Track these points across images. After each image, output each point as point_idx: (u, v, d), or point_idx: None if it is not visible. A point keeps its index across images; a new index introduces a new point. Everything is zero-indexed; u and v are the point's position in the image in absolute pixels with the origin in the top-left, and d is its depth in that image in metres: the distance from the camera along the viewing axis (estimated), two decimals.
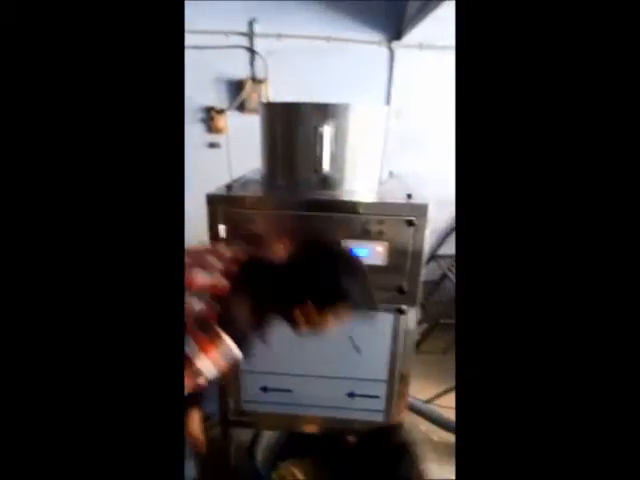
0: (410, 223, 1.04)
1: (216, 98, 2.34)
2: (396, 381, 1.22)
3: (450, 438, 1.84)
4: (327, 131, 1.05)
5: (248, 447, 1.56)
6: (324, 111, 1.06)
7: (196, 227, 1.62)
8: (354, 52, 2.27)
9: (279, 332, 1.19)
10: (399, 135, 1.50)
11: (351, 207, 1.06)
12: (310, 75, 2.30)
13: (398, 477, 0.97)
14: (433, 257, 2.62)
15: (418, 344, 2.29)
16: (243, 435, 1.51)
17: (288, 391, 1.26)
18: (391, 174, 1.44)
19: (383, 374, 1.22)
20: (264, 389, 1.26)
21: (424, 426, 1.91)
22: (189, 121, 2.34)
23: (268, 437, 1.47)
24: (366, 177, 1.17)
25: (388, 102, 2.37)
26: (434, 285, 2.65)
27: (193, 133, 2.36)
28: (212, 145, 2.42)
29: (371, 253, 1.08)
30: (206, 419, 1.70)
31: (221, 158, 2.38)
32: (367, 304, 0.92)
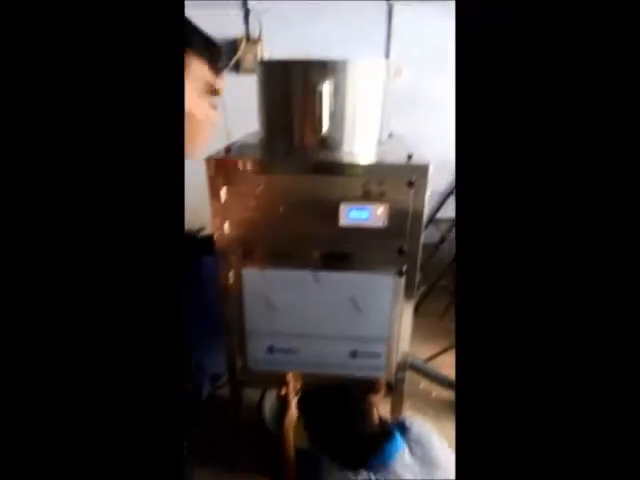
0: (411, 184, 1.03)
1: None
2: (396, 340, 1.26)
3: (447, 395, 1.92)
4: (326, 89, 1.03)
5: (257, 405, 1.63)
6: (323, 68, 1.03)
7: (194, 196, 1.62)
8: (351, 7, 2.17)
9: (284, 293, 1.23)
10: (399, 95, 1.47)
11: (351, 169, 1.05)
12: (306, 33, 2.21)
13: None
14: (432, 220, 2.63)
15: (417, 306, 2.33)
16: (252, 394, 1.57)
17: (293, 351, 1.30)
18: (391, 135, 1.42)
19: (384, 333, 1.25)
20: (270, 349, 1.31)
21: (423, 384, 1.99)
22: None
23: (275, 395, 1.53)
24: (366, 137, 1.15)
25: (387, 59, 2.30)
26: (433, 248, 2.67)
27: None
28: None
29: (371, 215, 1.08)
30: (215, 379, 1.76)
31: (219, 122, 2.34)
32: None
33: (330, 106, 1.06)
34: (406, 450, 0.99)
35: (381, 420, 1.11)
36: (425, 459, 0.99)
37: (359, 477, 0.95)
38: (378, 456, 0.97)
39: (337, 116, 1.08)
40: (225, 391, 1.48)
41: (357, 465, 0.99)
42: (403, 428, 1.07)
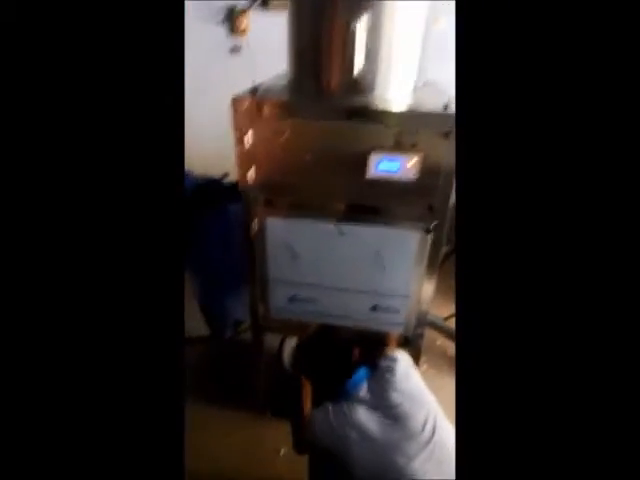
0: (446, 135, 0.96)
1: None
2: (417, 297, 1.25)
3: None
4: (361, 27, 0.94)
5: (276, 350, 1.69)
6: (358, 4, 0.94)
7: (219, 142, 1.59)
8: None
9: (307, 244, 1.21)
10: (436, 43, 1.33)
11: (383, 115, 0.99)
12: None
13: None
14: None
15: (440, 265, 2.30)
16: (272, 340, 1.62)
17: (314, 301, 1.31)
18: (426, 83, 1.32)
19: (406, 290, 1.24)
20: (291, 298, 1.32)
21: (440, 341, 2.00)
22: (208, 24, 2.17)
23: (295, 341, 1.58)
24: (401, 83, 1.07)
25: None
26: None
27: (212, 37, 2.20)
28: (234, 50, 2.26)
29: (402, 167, 1.02)
30: (238, 324, 1.83)
31: (243, 64, 2.24)
32: None
33: (364, 46, 0.98)
34: (365, 384, 1.06)
35: (358, 359, 1.16)
36: (398, 391, 1.03)
37: (329, 405, 1.05)
38: (343, 387, 1.07)
39: (371, 57, 1.00)
40: (247, 336, 1.53)
41: (330, 394, 1.09)
42: (375, 365, 1.12)
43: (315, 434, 1.03)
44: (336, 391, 1.08)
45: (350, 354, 1.15)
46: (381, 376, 1.06)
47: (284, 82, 1.23)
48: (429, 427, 0.97)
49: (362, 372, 1.09)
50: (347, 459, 0.96)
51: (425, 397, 1.04)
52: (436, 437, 0.95)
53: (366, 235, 1.17)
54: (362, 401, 1.02)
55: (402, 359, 1.11)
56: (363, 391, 1.05)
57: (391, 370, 1.06)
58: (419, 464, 0.91)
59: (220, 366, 1.86)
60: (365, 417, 0.99)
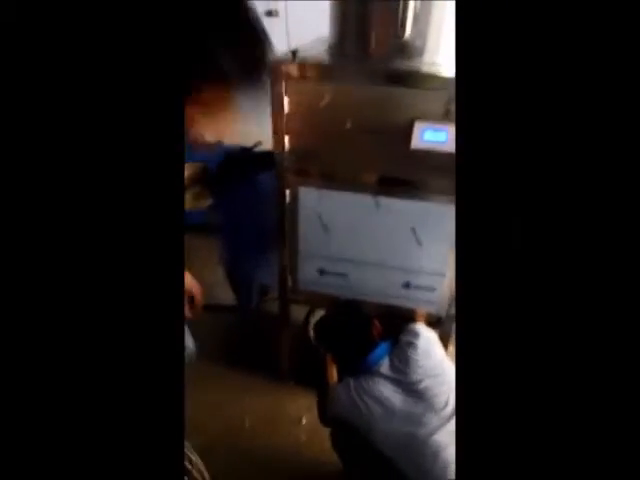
0: None
1: None
2: (453, 276, 1.20)
3: None
4: None
5: (303, 322, 1.69)
6: None
7: (250, 108, 1.54)
8: None
9: (341, 216, 1.18)
10: None
11: (431, 80, 0.92)
12: None
13: None
14: None
15: None
16: (299, 311, 1.62)
17: (344, 275, 1.28)
18: None
19: (443, 268, 1.19)
20: (321, 271, 1.30)
21: None
22: None
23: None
24: (451, 48, 0.99)
25: None
26: None
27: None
28: (269, 13, 2.18)
29: (449, 138, 0.96)
30: (266, 292, 1.83)
31: (280, 29, 2.16)
32: None
33: (416, 6, 0.91)
34: (387, 359, 1.06)
35: (381, 334, 1.16)
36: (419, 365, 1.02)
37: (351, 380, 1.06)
38: (364, 362, 1.07)
39: (421, 20, 0.93)
40: (274, 306, 1.53)
41: (352, 369, 1.10)
42: (397, 340, 1.11)
43: (338, 408, 1.05)
44: (358, 366, 1.08)
45: (371, 329, 1.15)
46: (403, 351, 1.05)
47: (324, 46, 1.16)
48: (451, 402, 0.97)
49: (383, 347, 1.09)
50: (369, 432, 0.98)
51: (447, 372, 1.04)
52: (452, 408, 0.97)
53: (403, 209, 1.12)
54: (383, 376, 1.03)
55: (424, 334, 1.09)
56: (385, 366, 1.05)
57: (413, 345, 1.05)
58: (441, 437, 0.93)
59: (246, 335, 1.88)
60: (387, 391, 1.00)
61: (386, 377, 1.03)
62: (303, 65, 0.98)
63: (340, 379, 1.14)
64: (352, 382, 1.05)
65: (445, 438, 0.93)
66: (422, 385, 0.99)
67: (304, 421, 1.53)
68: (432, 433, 0.93)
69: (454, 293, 1.23)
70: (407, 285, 1.25)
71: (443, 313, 1.27)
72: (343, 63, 1.02)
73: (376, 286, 1.28)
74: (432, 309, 1.26)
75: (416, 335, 1.07)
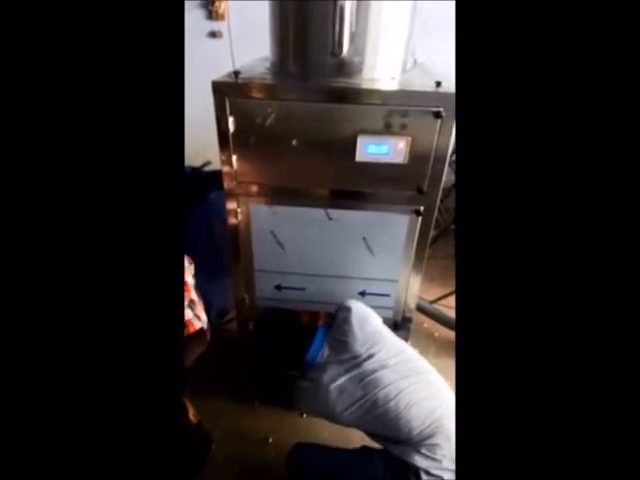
0: (437, 115, 0.94)
1: None
2: (407, 282, 1.24)
3: (449, 335, 1.96)
4: (348, 5, 0.91)
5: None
6: None
7: (200, 130, 1.53)
8: None
9: (294, 231, 1.19)
10: (425, 21, 1.32)
11: (371, 96, 0.96)
12: None
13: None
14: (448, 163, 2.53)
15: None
16: None
17: (301, 289, 1.29)
18: (416, 63, 1.30)
19: (395, 274, 1.23)
20: (278, 287, 1.29)
21: (427, 323, 2.02)
22: (186, 8, 2.09)
23: None
24: (389, 62, 1.04)
25: None
26: (447, 191, 2.59)
27: (191, 21, 2.12)
28: (213, 34, 2.19)
29: (392, 150, 1.00)
30: (225, 314, 1.79)
31: (223, 49, 2.17)
32: None
33: (351, 25, 0.95)
34: (326, 345, 1.09)
35: (310, 322, 1.22)
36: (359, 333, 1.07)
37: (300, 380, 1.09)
38: (305, 359, 1.10)
39: (359, 37, 0.97)
40: (233, 325, 1.50)
41: (297, 366, 1.13)
42: (329, 324, 1.15)
43: (303, 408, 1.12)
44: (302, 362, 1.11)
45: (299, 321, 1.20)
46: (339, 329, 1.09)
47: (266, 65, 1.18)
48: (394, 352, 1.05)
49: (320, 336, 1.12)
50: (339, 415, 1.01)
51: (384, 332, 1.11)
52: (402, 357, 1.05)
53: (354, 220, 1.15)
54: (327, 362, 1.06)
55: (355, 307, 1.12)
56: (325, 352, 1.08)
57: (347, 320, 1.08)
58: (400, 385, 0.99)
59: (208, 357, 1.83)
60: (335, 373, 1.03)
61: (330, 361, 1.06)
62: (246, 85, 0.99)
63: (295, 377, 1.15)
64: (302, 382, 1.07)
65: (401, 383, 0.99)
66: (365, 352, 1.04)
67: (270, 440, 1.50)
68: (390, 384, 0.99)
69: (409, 298, 1.27)
70: (363, 293, 1.27)
71: (399, 317, 1.31)
72: (285, 82, 1.05)
73: (333, 297, 1.29)
74: (388, 314, 1.30)
75: (348, 310, 1.10)
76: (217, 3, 2.10)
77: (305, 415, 1.56)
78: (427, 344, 1.94)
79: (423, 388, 1.01)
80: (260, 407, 1.61)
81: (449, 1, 2.07)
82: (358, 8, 0.93)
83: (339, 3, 0.91)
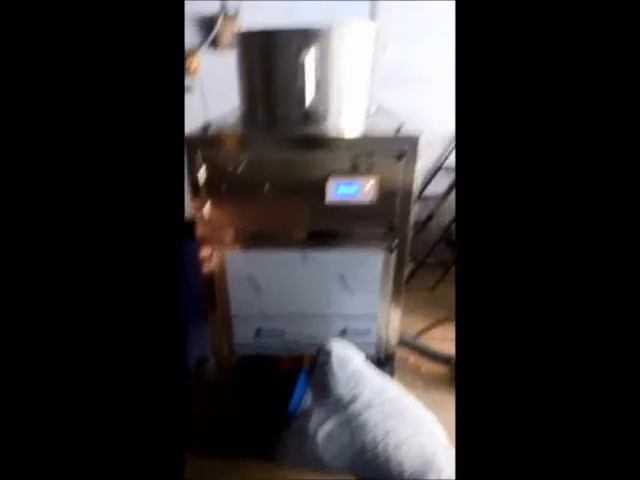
0: (400, 156, 1.00)
1: (186, 38, 2.15)
2: (387, 317, 1.25)
3: (436, 369, 1.93)
4: (309, 59, 0.97)
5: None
6: (305, 36, 0.97)
7: None
8: None
9: (270, 275, 1.19)
10: (385, 69, 1.42)
11: (337, 142, 1.01)
12: (286, 5, 2.12)
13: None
14: (420, 197, 2.61)
15: (405, 283, 2.33)
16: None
17: (281, 332, 1.28)
18: (379, 108, 1.37)
19: (374, 310, 1.24)
20: (257, 332, 1.28)
21: (412, 358, 2.00)
22: None
23: None
24: (353, 110, 1.10)
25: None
26: (421, 226, 2.66)
27: None
28: (185, 90, 2.27)
29: (360, 191, 1.04)
30: (202, 362, 1.73)
31: (195, 104, 2.24)
32: None
33: (314, 77, 1.01)
34: (309, 391, 1.07)
35: (289, 366, 1.19)
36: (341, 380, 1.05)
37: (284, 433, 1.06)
38: (289, 407, 1.07)
39: (321, 87, 1.03)
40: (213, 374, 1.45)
41: (280, 417, 1.09)
42: (311, 369, 1.13)
43: (289, 460, 1.05)
44: (287, 413, 1.07)
45: (278, 367, 1.18)
46: (321, 372, 1.07)
47: (236, 116, 1.24)
48: (378, 391, 1.03)
49: (301, 382, 1.09)
50: (328, 463, 0.98)
51: (366, 372, 1.09)
52: (386, 395, 1.04)
53: (330, 259, 1.16)
54: (311, 408, 1.03)
55: (335, 349, 1.11)
56: (308, 398, 1.06)
57: (328, 362, 1.07)
58: (387, 425, 0.97)
59: (191, 407, 1.75)
60: (320, 419, 1.00)
61: (314, 409, 1.03)
62: (217, 136, 1.03)
63: (279, 428, 1.12)
64: (286, 435, 1.04)
65: (387, 422, 0.97)
66: (347, 395, 1.02)
67: None
68: (376, 425, 0.96)
69: (390, 333, 1.27)
70: (344, 331, 1.27)
71: (382, 354, 1.30)
72: (254, 131, 1.09)
73: (314, 337, 1.28)
74: (371, 351, 1.29)
75: (328, 352, 1.09)
76: (189, 59, 2.19)
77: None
78: (414, 380, 1.91)
79: (411, 425, 0.99)
80: (247, 462, 1.53)
81: (412, 52, 2.23)
82: (319, 61, 0.99)
83: (301, 57, 0.97)
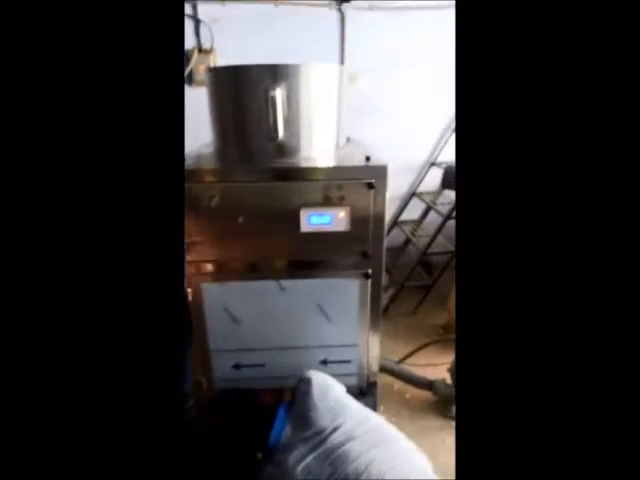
0: (370, 186, 1.03)
1: None
2: (367, 344, 1.25)
3: (421, 395, 1.92)
4: (279, 94, 1.01)
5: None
6: (274, 73, 1.01)
7: None
8: (303, 16, 2.18)
9: (248, 306, 1.18)
10: (354, 102, 1.49)
11: (309, 173, 1.04)
12: (258, 42, 2.20)
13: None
14: (396, 223, 2.66)
15: (386, 308, 2.34)
16: None
17: (261, 365, 1.25)
18: (349, 140, 1.42)
19: (353, 339, 1.23)
20: (236, 366, 1.25)
21: (397, 385, 1.98)
22: None
23: None
24: (323, 142, 1.14)
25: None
26: (398, 251, 2.70)
27: None
28: None
29: (333, 220, 1.06)
30: (185, 400, 1.68)
31: None
32: None
33: (284, 111, 1.04)
34: (288, 424, 1.04)
35: (268, 402, 1.14)
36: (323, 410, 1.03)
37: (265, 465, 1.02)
38: (269, 441, 1.04)
39: (292, 121, 1.06)
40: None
41: (260, 450, 1.06)
42: (290, 402, 1.10)
43: None
44: (266, 447, 1.04)
45: (256, 403, 1.14)
46: (300, 404, 1.05)
47: (210, 150, 1.26)
48: (359, 421, 1.01)
49: (280, 415, 1.06)
50: None
51: (347, 402, 1.07)
52: (368, 425, 1.01)
53: (307, 288, 1.16)
54: (291, 441, 1.00)
55: (315, 378, 1.09)
56: (288, 431, 1.03)
57: (308, 393, 1.04)
58: (369, 455, 0.93)
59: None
60: (301, 453, 0.97)
61: (294, 441, 1.00)
62: (191, 170, 1.04)
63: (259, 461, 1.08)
64: (267, 467, 1.00)
65: (370, 453, 0.94)
66: (328, 426, 0.99)
67: None
68: (358, 457, 0.93)
69: (371, 360, 1.27)
70: (324, 362, 1.26)
71: (364, 383, 1.29)
72: (227, 165, 1.11)
73: (295, 369, 1.26)
74: (352, 382, 1.27)
75: (308, 382, 1.07)
76: None
77: None
78: (400, 407, 1.89)
79: (394, 455, 0.97)
80: None
81: (378, 86, 2.32)
82: (289, 96, 1.03)
83: (270, 93, 1.01)
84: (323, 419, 1.01)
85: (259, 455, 1.06)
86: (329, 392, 1.07)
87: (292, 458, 0.97)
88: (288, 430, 1.03)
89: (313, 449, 0.97)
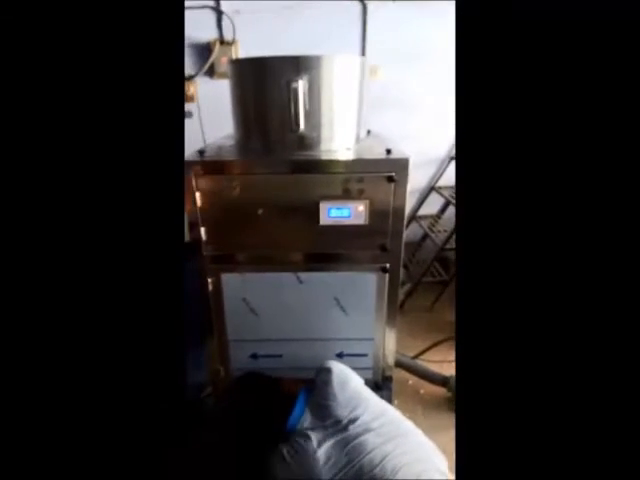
0: (390, 179, 1.02)
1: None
2: (383, 338, 1.24)
3: (436, 391, 1.91)
4: (301, 86, 1.01)
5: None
6: (296, 65, 1.01)
7: None
8: (325, 8, 2.16)
9: (266, 297, 1.19)
10: (376, 94, 1.47)
11: (330, 166, 1.03)
12: (280, 34, 2.19)
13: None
14: (414, 218, 2.63)
15: (402, 304, 2.33)
16: None
17: (278, 356, 1.27)
18: (369, 133, 1.41)
19: (370, 333, 1.23)
20: (254, 356, 1.27)
21: (412, 380, 1.98)
22: None
23: None
24: (344, 135, 1.13)
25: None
26: (416, 246, 2.68)
27: None
28: (186, 114, 2.32)
29: (352, 213, 1.06)
30: (201, 388, 1.71)
31: (193, 128, 2.29)
32: None
33: (305, 104, 1.04)
34: (307, 410, 1.05)
35: (290, 390, 1.14)
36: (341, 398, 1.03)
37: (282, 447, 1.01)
38: (286, 427, 1.04)
39: (313, 113, 1.06)
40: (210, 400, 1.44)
41: (278, 435, 1.06)
42: (309, 389, 1.10)
43: (284, 478, 1.00)
44: (282, 430, 1.05)
45: (280, 389, 1.13)
46: (320, 392, 1.05)
47: (231, 142, 1.26)
48: (377, 414, 1.01)
49: (300, 401, 1.07)
50: None
51: (366, 394, 1.07)
52: (385, 418, 1.01)
53: (325, 281, 1.17)
54: (311, 428, 1.01)
55: (335, 368, 1.09)
56: (307, 418, 1.04)
57: (328, 382, 1.05)
58: (385, 449, 0.94)
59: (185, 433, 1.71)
60: (320, 439, 0.98)
61: (313, 427, 1.01)
62: (212, 162, 1.05)
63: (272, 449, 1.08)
64: (284, 449, 1.01)
65: (386, 447, 0.94)
66: (347, 416, 1.00)
67: None
68: (375, 448, 0.94)
69: (387, 355, 1.26)
70: (341, 355, 1.26)
71: (379, 377, 1.29)
72: (248, 157, 1.11)
73: (311, 361, 1.27)
74: (368, 375, 1.28)
75: (329, 371, 1.07)
76: (186, 86, 2.25)
77: None
78: (414, 403, 1.88)
79: (409, 450, 0.97)
80: None
81: (400, 79, 2.29)
82: (310, 88, 1.02)
83: (292, 85, 1.01)
84: (341, 409, 1.01)
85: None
86: (348, 383, 1.07)
87: (313, 442, 0.97)
88: (307, 416, 1.04)
89: (332, 436, 0.98)
